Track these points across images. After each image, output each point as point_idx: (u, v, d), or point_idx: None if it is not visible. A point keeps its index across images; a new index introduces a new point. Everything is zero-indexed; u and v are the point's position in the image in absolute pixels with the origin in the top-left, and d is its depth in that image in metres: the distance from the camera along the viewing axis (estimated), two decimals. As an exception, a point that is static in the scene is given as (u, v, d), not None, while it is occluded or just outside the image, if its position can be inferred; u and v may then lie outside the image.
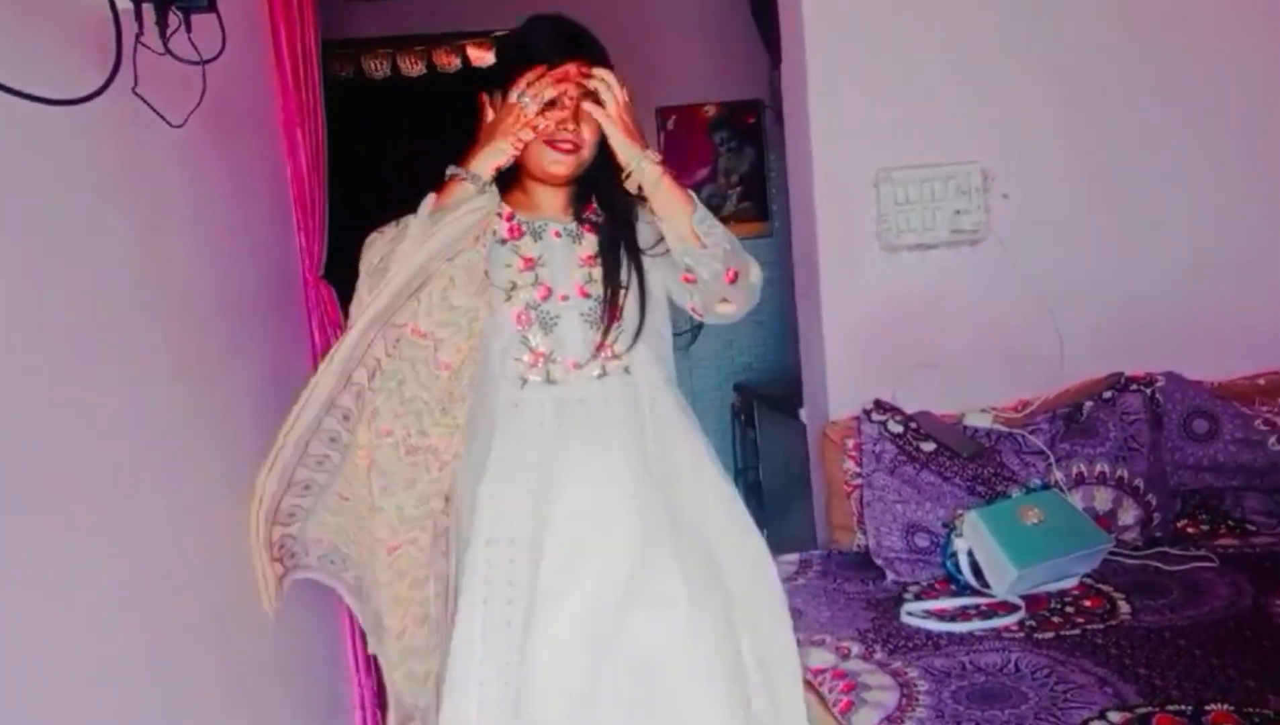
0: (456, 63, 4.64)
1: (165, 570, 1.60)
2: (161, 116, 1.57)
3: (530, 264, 1.76)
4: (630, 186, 1.71)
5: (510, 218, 1.78)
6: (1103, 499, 2.56)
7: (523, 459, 1.74)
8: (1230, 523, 2.60)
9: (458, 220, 1.63)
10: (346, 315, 2.61)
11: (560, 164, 1.74)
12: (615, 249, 1.79)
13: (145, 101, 1.49)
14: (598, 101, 1.69)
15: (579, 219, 1.82)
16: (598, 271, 1.77)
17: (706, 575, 1.75)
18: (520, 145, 1.68)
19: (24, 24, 1.30)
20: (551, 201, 1.82)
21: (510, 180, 1.79)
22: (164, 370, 1.67)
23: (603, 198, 1.82)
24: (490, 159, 1.68)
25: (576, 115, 1.71)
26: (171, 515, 1.65)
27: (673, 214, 1.71)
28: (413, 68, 4.62)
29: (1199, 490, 2.66)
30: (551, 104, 1.69)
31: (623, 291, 1.77)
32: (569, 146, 1.72)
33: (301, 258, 2.49)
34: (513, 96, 1.69)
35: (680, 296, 1.82)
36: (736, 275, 1.72)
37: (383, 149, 6.07)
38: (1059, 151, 2.78)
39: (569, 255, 1.78)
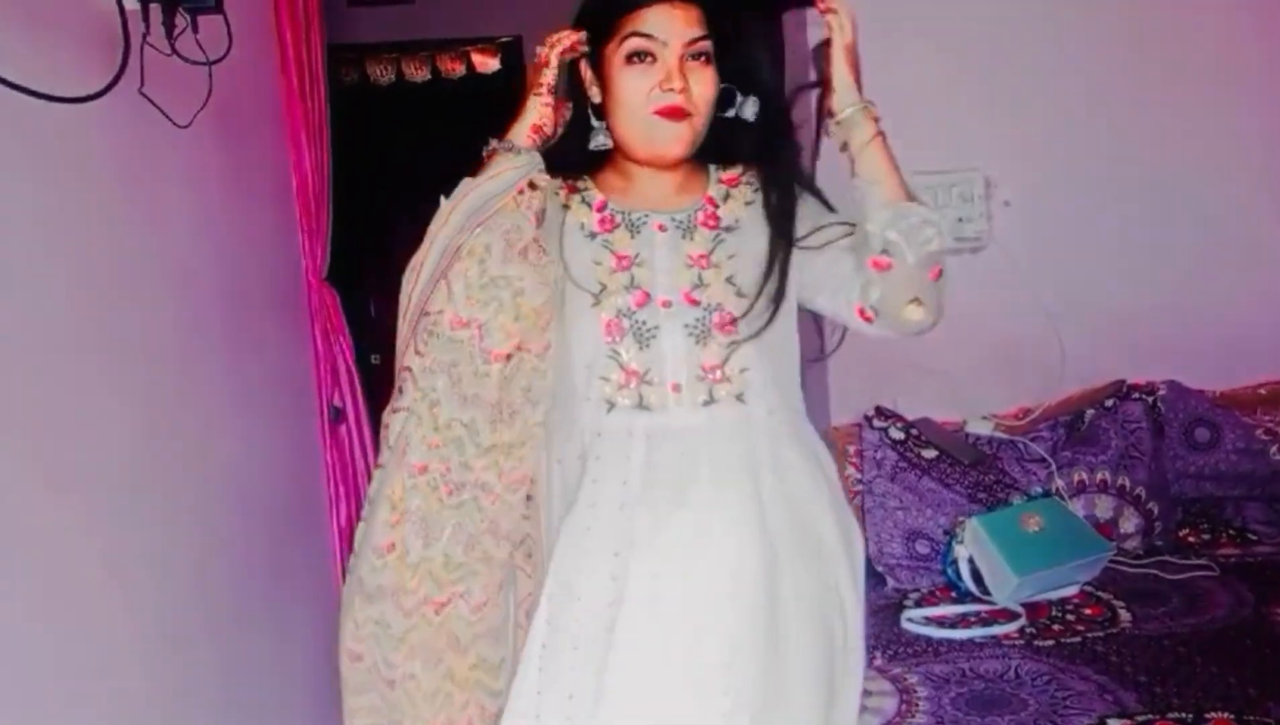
0: (461, 69, 4.65)
1: (163, 568, 1.61)
2: (167, 116, 1.58)
3: (625, 263, 1.40)
4: (836, 138, 1.40)
5: (602, 207, 1.43)
6: (1104, 507, 2.55)
7: (600, 499, 1.37)
8: (1231, 532, 2.60)
9: (493, 177, 1.35)
10: (349, 319, 2.64)
11: (672, 139, 1.36)
12: (777, 240, 1.41)
13: (151, 101, 1.50)
14: (707, 61, 1.36)
15: (691, 207, 1.44)
16: (710, 273, 1.40)
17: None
18: (546, 95, 1.38)
19: (32, 22, 1.31)
20: (655, 186, 1.44)
21: (603, 160, 1.46)
22: (164, 368, 1.68)
23: (763, 170, 1.46)
24: (525, 120, 1.39)
25: (682, 71, 1.33)
26: (170, 514, 1.65)
27: (886, 173, 1.36)
28: (417, 73, 4.64)
29: (1200, 499, 2.66)
30: (640, 57, 1.34)
31: (762, 298, 1.39)
32: (678, 112, 1.34)
33: (305, 261, 2.50)
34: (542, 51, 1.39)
35: (837, 299, 1.42)
36: (941, 271, 1.36)
37: (387, 154, 6.10)
38: (1061, 160, 2.78)
39: (674, 253, 1.41)
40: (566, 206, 1.43)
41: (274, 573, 2.17)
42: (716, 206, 1.45)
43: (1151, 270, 2.81)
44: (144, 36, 1.44)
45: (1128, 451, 2.60)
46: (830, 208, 1.45)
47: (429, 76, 4.65)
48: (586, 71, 1.41)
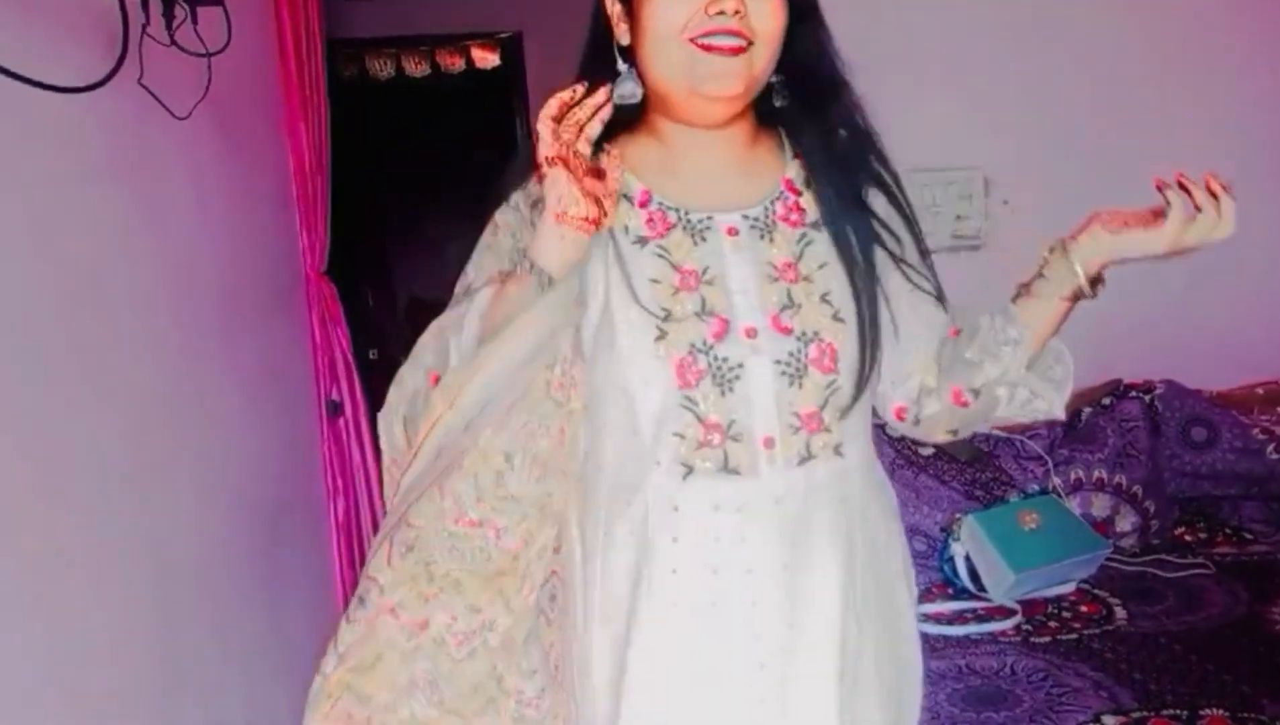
0: (460, 63, 4.65)
1: (159, 561, 1.61)
2: (166, 108, 1.58)
3: (691, 281, 1.05)
4: (1034, 281, 1.19)
5: (647, 200, 1.08)
6: (1100, 505, 2.56)
7: (683, 598, 1.07)
8: (1227, 531, 2.60)
9: (518, 332, 0.98)
10: (346, 312, 2.64)
11: (721, 77, 1.01)
12: (852, 239, 1.10)
13: (150, 92, 1.50)
14: None
15: (765, 196, 1.11)
16: (801, 290, 1.07)
17: None
18: (573, 165, 0.98)
19: (31, 13, 1.30)
20: (711, 160, 1.10)
21: (633, 122, 1.12)
22: (161, 361, 1.67)
23: (816, 149, 1.13)
24: (553, 246, 1.00)
25: None
26: (167, 507, 1.65)
27: (1049, 335, 1.19)
28: (417, 68, 4.64)
29: (1197, 498, 2.66)
30: None
31: (865, 318, 1.09)
32: (732, 44, 1.00)
33: (303, 253, 2.50)
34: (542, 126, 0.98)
35: (881, 382, 1.17)
36: None
37: (386, 149, 6.10)
38: (1059, 158, 2.78)
39: (753, 264, 1.07)
40: None
41: (271, 566, 2.17)
42: (799, 193, 1.11)
43: (1149, 269, 2.79)
44: (143, 27, 1.44)
45: (1125, 450, 2.60)
46: (912, 223, 1.18)
47: (428, 71, 4.66)
48: (613, 4, 1.08)
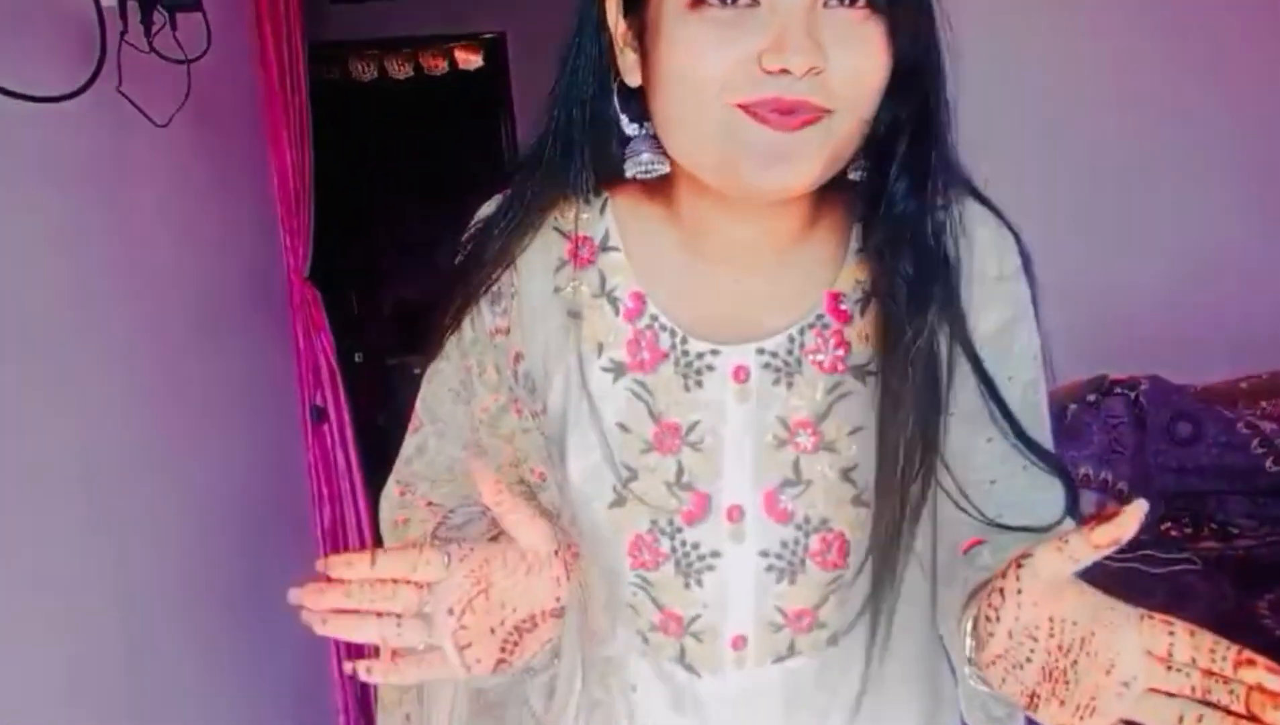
0: (444, 66, 4.64)
1: (144, 569, 1.59)
2: (145, 115, 1.56)
3: (672, 441, 0.78)
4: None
5: (638, 311, 0.79)
6: (1087, 502, 2.56)
7: None
8: (1213, 525, 2.61)
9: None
10: (330, 317, 2.63)
11: (776, 161, 0.68)
12: (912, 396, 0.74)
13: (129, 100, 1.49)
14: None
15: (802, 319, 0.79)
16: (816, 462, 0.78)
17: None
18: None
19: (6, 20, 1.29)
20: (743, 260, 0.79)
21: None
22: (144, 369, 1.66)
23: (892, 249, 0.76)
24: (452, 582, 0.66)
25: (812, 28, 0.66)
26: (152, 516, 1.64)
27: None
28: (400, 70, 4.62)
29: (1182, 493, 2.67)
30: None
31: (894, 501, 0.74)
32: (796, 111, 0.67)
33: (286, 258, 2.48)
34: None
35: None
36: None
37: (370, 151, 6.08)
38: (1040, 156, 2.79)
39: (758, 421, 0.78)
40: (577, 313, 0.80)
41: (256, 573, 2.16)
42: (847, 320, 0.78)
43: (1133, 265, 2.83)
44: (121, 34, 1.43)
45: (1110, 446, 2.60)
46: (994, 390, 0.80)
47: (412, 74, 4.64)
48: (618, 24, 0.73)
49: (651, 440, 0.77)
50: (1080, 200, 2.81)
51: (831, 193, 0.76)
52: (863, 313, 0.77)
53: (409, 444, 0.88)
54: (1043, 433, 0.83)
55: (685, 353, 0.77)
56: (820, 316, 0.78)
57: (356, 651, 2.63)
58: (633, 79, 0.73)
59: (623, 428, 0.78)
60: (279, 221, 2.45)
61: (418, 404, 0.89)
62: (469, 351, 0.83)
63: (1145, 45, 2.79)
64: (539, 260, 0.80)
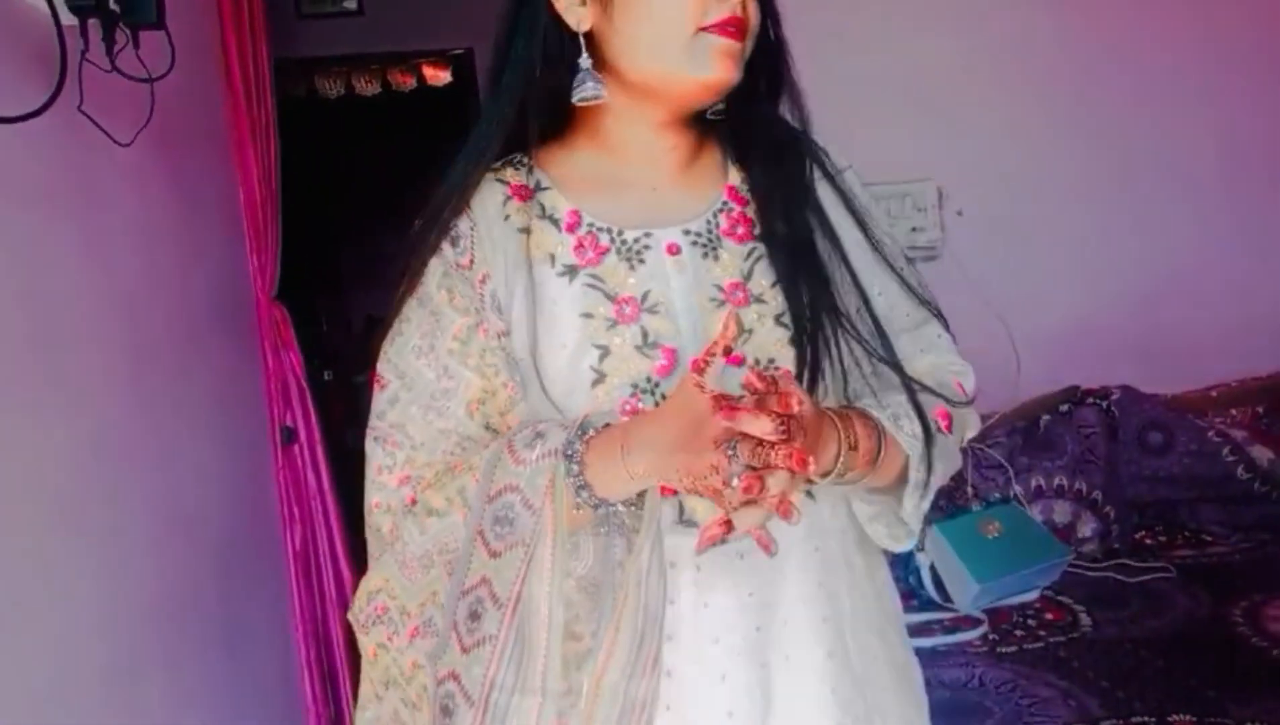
0: (412, 82, 4.62)
1: (111, 595, 1.56)
2: (108, 135, 1.54)
3: (631, 311, 0.93)
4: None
5: (575, 223, 0.97)
6: (1061, 512, 2.57)
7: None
8: (1187, 533, 2.62)
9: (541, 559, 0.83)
10: (299, 335, 2.60)
11: (727, 57, 0.92)
12: (801, 255, 0.98)
13: (91, 120, 1.46)
14: None
15: (707, 207, 1.00)
16: (753, 312, 0.95)
17: None
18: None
19: (-36, 40, 1.26)
20: (661, 163, 1.00)
21: (562, 123, 1.01)
22: (109, 393, 1.63)
23: (761, 144, 1.02)
24: (634, 488, 0.84)
25: None
26: (118, 540, 1.61)
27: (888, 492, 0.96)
28: (367, 87, 4.59)
29: (1155, 502, 2.69)
30: None
31: (833, 342, 0.95)
32: (740, 26, 0.92)
33: (254, 278, 2.45)
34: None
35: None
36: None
37: (338, 168, 6.04)
38: (1012, 169, 2.81)
39: (698, 285, 0.96)
40: (525, 229, 0.96)
41: (226, 597, 2.12)
42: (745, 203, 1.00)
43: (1103, 277, 2.85)
44: (82, 53, 1.40)
45: (1083, 456, 2.62)
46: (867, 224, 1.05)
47: (379, 90, 4.61)
48: None
49: (614, 316, 0.93)
50: (1048, 214, 2.83)
51: (703, 127, 1.01)
52: (754, 196, 1.00)
53: (380, 399, 0.96)
54: (919, 284, 1.08)
55: (624, 242, 0.96)
56: (725, 203, 1.00)
57: (329, 676, 2.60)
58: (584, 25, 0.93)
59: (586, 316, 0.92)
60: (246, 240, 2.42)
61: (380, 366, 0.98)
62: (440, 287, 0.95)
63: (1114, 56, 2.82)
64: (489, 201, 0.97)
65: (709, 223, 0.98)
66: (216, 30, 2.31)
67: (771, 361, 0.93)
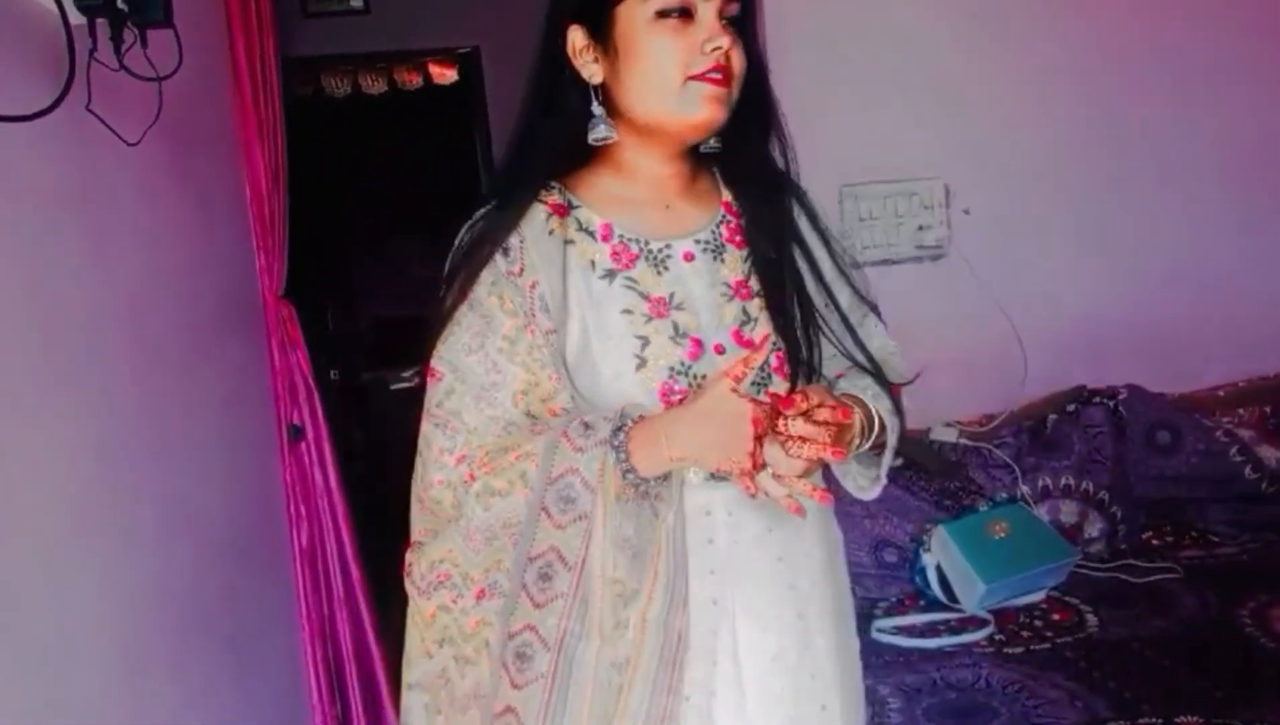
0: (418, 80, 4.62)
1: (119, 594, 1.56)
2: (116, 134, 1.54)
3: (662, 308, 1.14)
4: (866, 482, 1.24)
5: (609, 234, 1.16)
6: (1068, 512, 2.57)
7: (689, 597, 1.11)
8: (1194, 534, 2.62)
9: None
10: (307, 334, 2.61)
11: (714, 101, 1.10)
12: (778, 261, 1.21)
13: (99, 118, 1.46)
14: (743, 31, 1.14)
15: (710, 220, 1.22)
16: (755, 305, 1.17)
17: None
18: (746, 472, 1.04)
19: (-28, 39, 1.27)
20: (664, 187, 1.20)
21: (582, 162, 1.20)
22: (117, 393, 1.63)
23: (752, 175, 1.23)
24: (666, 465, 1.07)
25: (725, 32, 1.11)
26: (126, 539, 1.61)
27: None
28: (374, 85, 4.59)
29: (1162, 502, 2.68)
30: (683, 13, 1.09)
31: (812, 331, 1.20)
32: (724, 75, 1.10)
33: (262, 277, 2.45)
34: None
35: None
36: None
37: (345, 166, 6.04)
38: (1019, 167, 2.80)
39: (712, 286, 1.17)
40: (569, 241, 1.15)
41: (233, 596, 2.13)
42: (739, 216, 1.22)
43: (1110, 275, 2.84)
44: (91, 52, 1.40)
45: (1090, 456, 2.61)
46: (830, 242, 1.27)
47: (386, 89, 4.61)
48: (578, 38, 1.14)
49: (649, 312, 1.13)
50: (1057, 212, 2.82)
51: (698, 157, 1.21)
52: (742, 215, 1.21)
53: (437, 390, 1.12)
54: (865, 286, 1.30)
55: (650, 250, 1.16)
56: (724, 216, 1.21)
57: (336, 676, 2.60)
58: (595, 77, 1.13)
59: (627, 312, 1.12)
60: (254, 238, 2.43)
61: (434, 362, 1.13)
62: (490, 293, 1.12)
63: (1110, 57, 2.81)
64: (534, 218, 1.14)
65: (714, 232, 1.19)
66: (224, 29, 2.31)
67: (774, 344, 1.15)
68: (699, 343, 1.13)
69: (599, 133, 1.14)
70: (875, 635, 2.23)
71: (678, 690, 1.07)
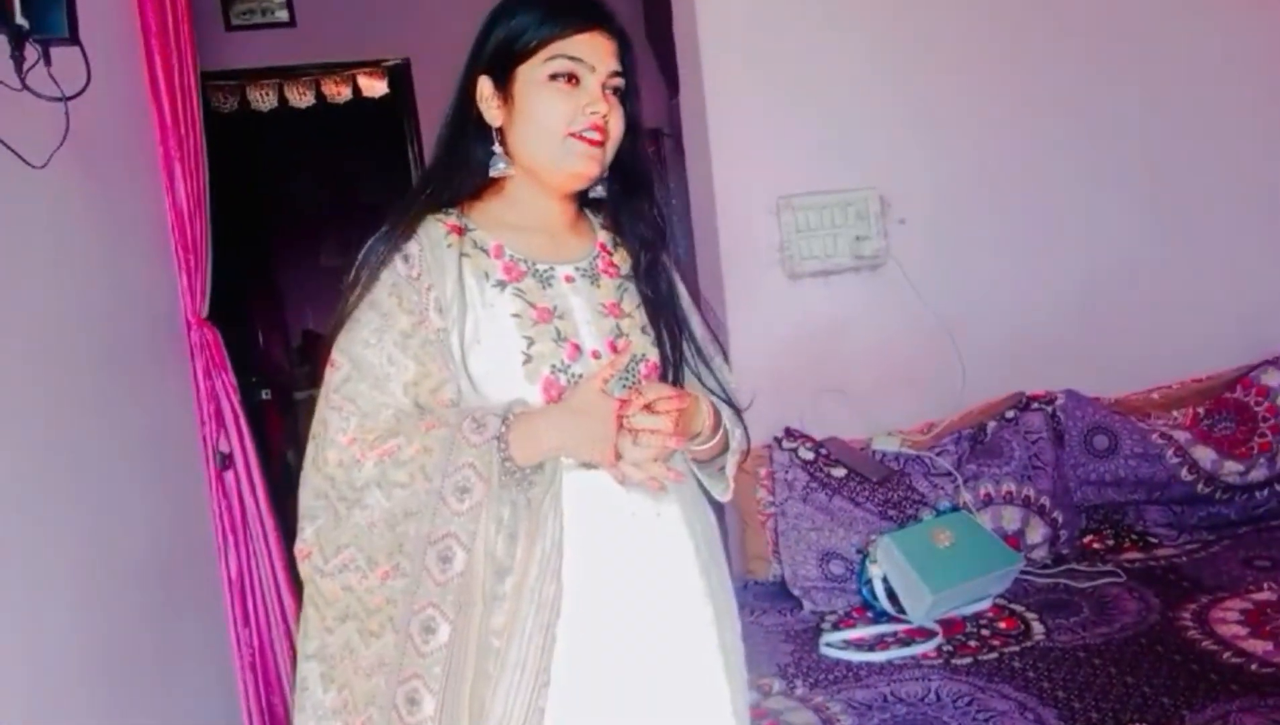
0: (347, 92, 4.52)
1: (36, 632, 1.48)
2: (20, 157, 1.46)
3: (546, 315, 1.29)
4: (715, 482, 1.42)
5: (500, 253, 1.31)
6: (1010, 518, 2.57)
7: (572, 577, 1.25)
8: (1134, 536, 2.64)
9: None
10: (235, 355, 2.52)
11: (589, 159, 1.28)
12: (659, 293, 1.40)
13: (1, 141, 1.38)
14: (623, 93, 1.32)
15: (587, 254, 1.39)
16: (626, 322, 1.34)
17: None
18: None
19: None
20: (549, 222, 1.36)
21: (481, 190, 1.35)
22: (27, 428, 1.55)
23: (633, 225, 1.40)
24: (545, 452, 1.22)
25: (606, 99, 1.29)
26: (51, 570, 1.53)
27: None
28: (301, 98, 4.49)
29: (1102, 505, 2.70)
30: (571, 78, 1.27)
31: (680, 340, 1.39)
32: (600, 134, 1.28)
33: (184, 299, 2.36)
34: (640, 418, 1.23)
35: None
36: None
37: (273, 181, 5.90)
38: (954, 178, 2.81)
39: (589, 303, 1.33)
40: (465, 254, 1.28)
41: (161, 627, 2.04)
42: (611, 253, 1.40)
43: (1044, 283, 2.86)
44: (-10, 71, 1.32)
45: (1030, 461, 2.62)
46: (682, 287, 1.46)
47: (313, 101, 4.51)
48: (485, 87, 1.30)
49: (535, 318, 1.28)
50: (991, 221, 2.84)
51: (581, 201, 1.39)
52: (617, 249, 1.40)
53: (335, 378, 1.23)
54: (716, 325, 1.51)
55: (536, 270, 1.31)
56: (599, 253, 1.38)
57: (265, 701, 2.51)
58: (497, 121, 1.31)
59: (516, 316, 1.27)
60: (175, 259, 2.34)
61: (335, 354, 1.25)
62: (390, 294, 1.24)
63: (1047, 59, 2.83)
64: (433, 231, 1.29)
65: (591, 263, 1.37)
66: (138, 43, 2.22)
67: (644, 355, 1.32)
68: (577, 347, 1.29)
69: (498, 168, 1.31)
70: (824, 650, 2.20)
71: (549, 649, 1.20)
